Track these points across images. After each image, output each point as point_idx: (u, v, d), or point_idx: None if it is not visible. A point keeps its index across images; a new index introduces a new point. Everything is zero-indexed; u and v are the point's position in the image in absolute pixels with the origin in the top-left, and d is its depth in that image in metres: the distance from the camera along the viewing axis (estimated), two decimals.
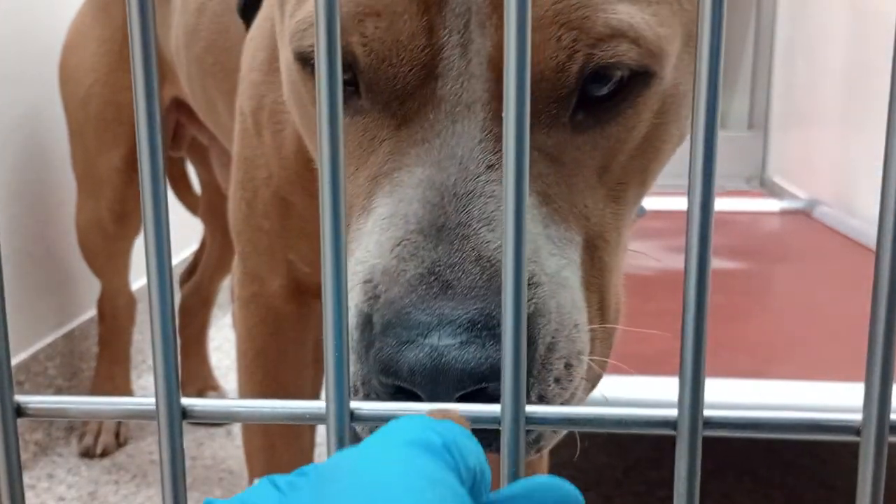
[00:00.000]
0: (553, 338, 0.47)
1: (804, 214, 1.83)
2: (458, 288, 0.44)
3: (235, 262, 0.86)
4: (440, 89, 0.48)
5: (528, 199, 0.48)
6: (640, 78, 0.50)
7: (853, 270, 1.46)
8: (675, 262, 1.47)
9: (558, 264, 0.49)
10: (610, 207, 0.53)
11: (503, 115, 0.34)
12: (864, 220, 1.66)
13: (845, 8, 1.84)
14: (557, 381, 0.47)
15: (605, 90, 0.49)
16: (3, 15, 1.41)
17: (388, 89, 0.49)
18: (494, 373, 0.41)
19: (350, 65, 0.50)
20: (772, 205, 1.92)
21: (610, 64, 0.48)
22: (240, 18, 0.81)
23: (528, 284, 0.46)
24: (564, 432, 0.53)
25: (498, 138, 0.48)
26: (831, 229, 1.69)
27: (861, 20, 1.78)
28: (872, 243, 1.51)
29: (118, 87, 1.31)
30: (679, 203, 1.80)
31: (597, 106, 0.50)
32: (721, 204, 0.37)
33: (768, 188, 2.12)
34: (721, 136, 0.35)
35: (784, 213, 1.87)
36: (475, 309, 0.44)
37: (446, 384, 0.42)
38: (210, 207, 1.58)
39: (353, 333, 0.47)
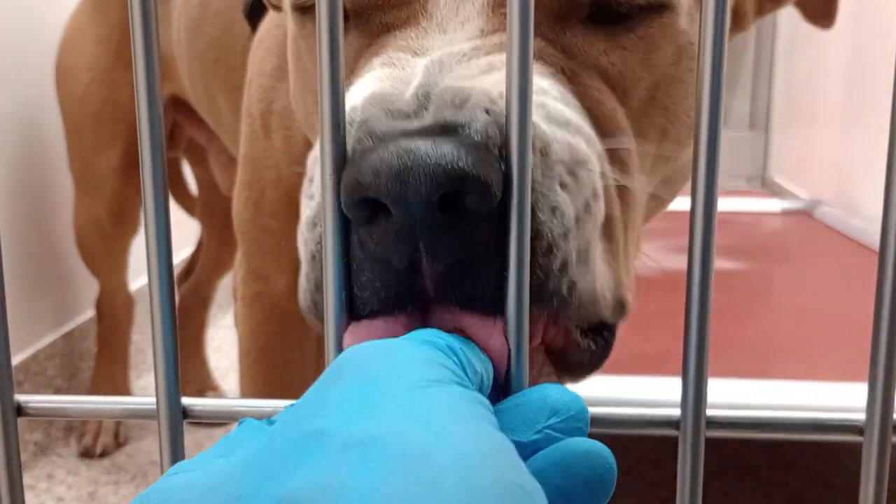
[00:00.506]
0: (543, 142, 0.43)
1: (805, 214, 1.83)
2: (432, 106, 0.40)
3: (239, 261, 0.86)
4: (431, 6, 0.47)
5: (536, 67, 0.45)
6: (655, 9, 0.50)
7: (854, 270, 1.46)
8: (676, 262, 1.47)
9: (550, 95, 0.45)
10: (627, 153, 0.50)
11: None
12: (865, 220, 1.66)
13: (846, 6, 1.84)
14: (564, 186, 0.43)
15: (615, 10, 0.49)
16: (0, 14, 1.40)
17: (368, 9, 0.49)
18: (472, 180, 0.36)
19: None
20: (773, 204, 1.92)
21: None
22: (245, 19, 0.81)
23: (503, 96, 0.41)
24: None
25: (488, 34, 0.46)
26: (832, 229, 1.69)
27: (862, 19, 1.78)
28: (874, 243, 1.51)
29: (115, 85, 1.31)
30: (679, 203, 1.79)
31: (610, 21, 0.50)
32: (722, 204, 0.37)
33: (769, 188, 2.12)
34: (722, 135, 0.35)
35: (785, 212, 1.87)
36: (450, 116, 0.39)
37: (417, 183, 0.36)
38: (207, 208, 1.58)
39: None
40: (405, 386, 0.29)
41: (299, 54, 0.58)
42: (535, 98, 0.41)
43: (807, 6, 0.74)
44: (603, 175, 0.46)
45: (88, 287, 1.57)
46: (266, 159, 0.77)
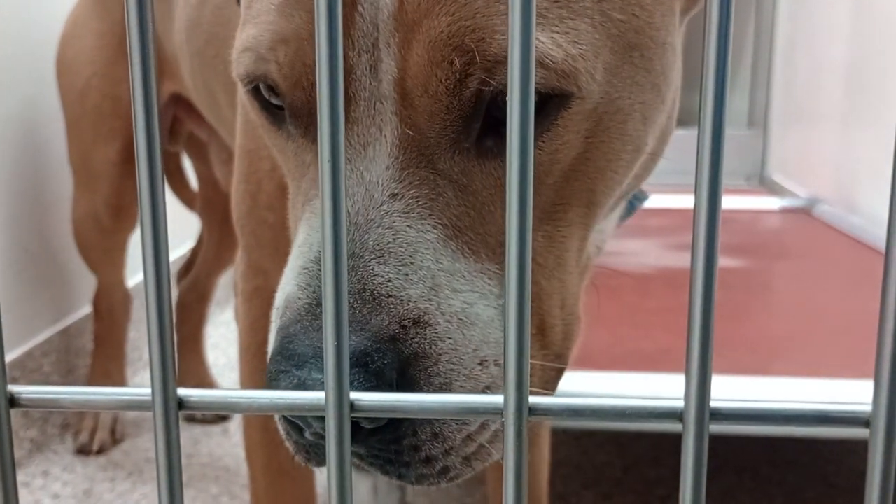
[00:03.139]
0: (446, 378, 0.47)
1: (804, 212, 1.83)
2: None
3: (239, 256, 0.85)
4: (353, 112, 0.48)
5: (432, 234, 0.48)
6: (556, 99, 0.48)
7: (854, 268, 1.45)
8: (675, 260, 1.47)
9: (466, 300, 0.48)
10: (542, 231, 0.52)
11: (507, 129, 0.33)
12: (864, 218, 1.65)
13: (846, 4, 1.83)
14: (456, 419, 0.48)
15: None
16: None
17: (305, 113, 0.49)
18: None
19: (276, 92, 0.51)
20: (772, 203, 1.92)
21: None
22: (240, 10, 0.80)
23: (416, 324, 0.46)
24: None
25: (404, 166, 0.48)
26: (832, 227, 1.69)
27: (862, 17, 1.78)
28: (873, 241, 1.51)
29: (116, 80, 1.31)
30: (678, 200, 1.79)
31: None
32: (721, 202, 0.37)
33: (768, 186, 2.12)
34: None
35: (784, 211, 1.87)
36: (350, 344, 0.45)
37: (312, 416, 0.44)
38: (208, 203, 1.58)
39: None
40: None
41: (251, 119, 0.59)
42: (438, 310, 0.47)
43: None
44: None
45: (85, 283, 1.57)
46: (261, 150, 0.76)
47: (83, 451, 1.44)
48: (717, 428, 0.36)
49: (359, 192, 0.47)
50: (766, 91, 2.23)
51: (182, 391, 0.37)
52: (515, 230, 0.33)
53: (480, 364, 0.48)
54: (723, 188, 0.34)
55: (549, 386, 0.55)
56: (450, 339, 0.47)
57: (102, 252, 1.46)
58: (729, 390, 0.93)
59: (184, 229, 1.72)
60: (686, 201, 1.76)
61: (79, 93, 1.35)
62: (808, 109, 2.05)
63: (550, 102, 0.48)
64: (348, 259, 0.46)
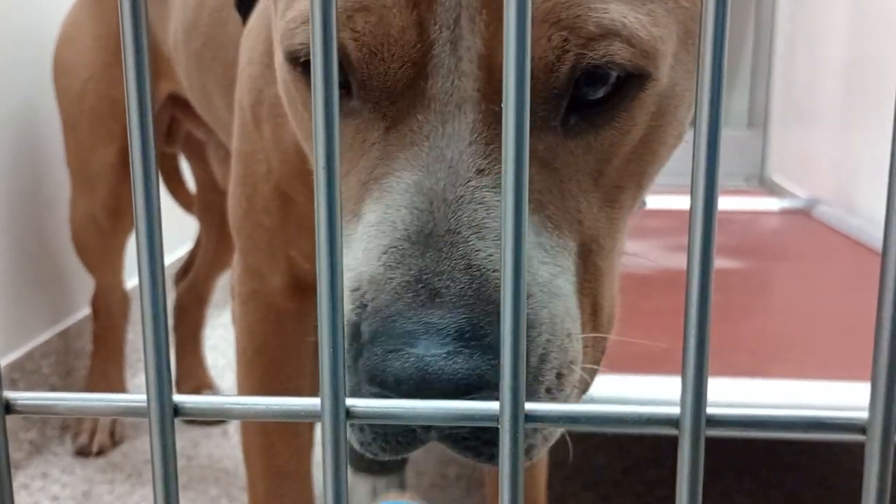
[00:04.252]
0: (545, 349, 0.47)
1: (804, 213, 1.83)
2: (447, 296, 0.44)
3: (235, 259, 0.85)
4: (430, 89, 0.47)
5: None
6: (635, 80, 0.49)
7: (853, 269, 1.45)
8: (674, 261, 1.47)
9: (551, 272, 0.48)
10: (605, 212, 0.52)
11: (503, 118, 0.33)
12: (864, 219, 1.65)
13: (846, 5, 1.83)
14: (548, 391, 0.47)
15: (600, 93, 0.48)
16: None
17: (378, 87, 0.48)
18: (482, 383, 0.42)
19: (342, 64, 0.49)
20: (771, 204, 1.91)
21: (602, 63, 0.47)
22: (237, 12, 0.80)
23: None
24: (556, 437, 0.52)
25: (488, 141, 0.47)
26: (831, 228, 1.69)
27: (861, 17, 1.78)
28: (872, 242, 1.51)
29: (113, 82, 1.31)
30: (678, 202, 1.78)
31: (590, 109, 0.49)
32: (720, 203, 0.37)
33: (768, 187, 2.12)
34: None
35: (784, 212, 1.87)
36: (463, 318, 0.43)
37: (432, 395, 0.41)
38: (205, 204, 1.58)
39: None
40: None
41: (293, 100, 0.58)
42: (534, 280, 0.47)
43: None
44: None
45: (84, 285, 1.57)
46: (258, 153, 0.76)
47: (82, 452, 1.44)
48: (714, 431, 0.36)
49: (441, 170, 0.47)
50: (766, 91, 2.23)
51: (178, 397, 0.37)
52: (511, 242, 0.33)
53: (568, 336, 0.48)
54: (719, 190, 0.34)
55: (598, 363, 0.56)
56: (545, 308, 0.47)
57: (101, 254, 1.46)
58: (726, 392, 0.93)
59: (182, 231, 1.72)
60: (685, 203, 1.76)
61: (76, 95, 1.35)
62: (807, 110, 2.05)
63: (630, 82, 0.49)
64: (445, 235, 0.45)
